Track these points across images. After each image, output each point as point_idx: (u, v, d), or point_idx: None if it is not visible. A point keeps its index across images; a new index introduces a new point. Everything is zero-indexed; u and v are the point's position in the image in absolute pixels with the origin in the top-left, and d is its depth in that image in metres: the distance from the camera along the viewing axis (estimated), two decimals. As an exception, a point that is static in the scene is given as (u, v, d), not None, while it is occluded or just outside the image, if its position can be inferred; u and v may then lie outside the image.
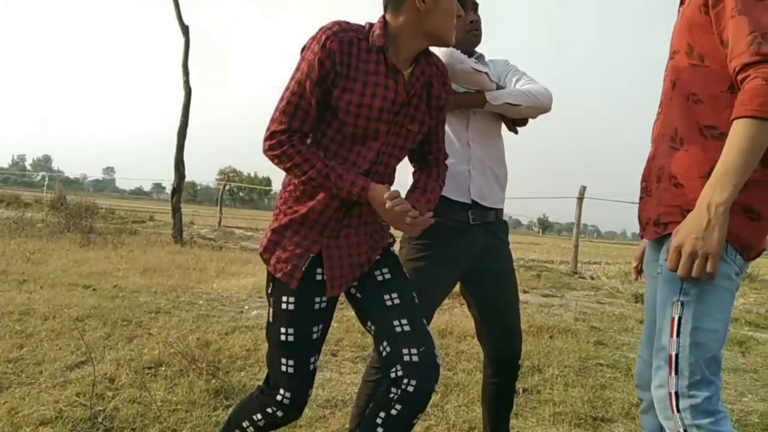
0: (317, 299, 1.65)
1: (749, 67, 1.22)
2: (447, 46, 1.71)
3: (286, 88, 1.60)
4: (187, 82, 10.09)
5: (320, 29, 1.58)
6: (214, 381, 2.85)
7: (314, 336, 1.66)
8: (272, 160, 1.61)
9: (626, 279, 9.39)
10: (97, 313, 4.14)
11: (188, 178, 10.55)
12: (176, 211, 9.95)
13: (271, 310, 1.68)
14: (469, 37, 2.12)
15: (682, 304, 1.31)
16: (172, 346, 3.33)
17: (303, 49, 1.61)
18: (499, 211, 2.14)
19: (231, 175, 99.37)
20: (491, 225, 2.10)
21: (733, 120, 1.24)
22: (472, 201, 2.05)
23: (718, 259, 1.24)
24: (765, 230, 1.34)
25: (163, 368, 3.03)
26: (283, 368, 1.64)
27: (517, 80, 2.12)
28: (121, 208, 21.67)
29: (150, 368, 3.04)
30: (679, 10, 1.56)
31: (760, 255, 1.38)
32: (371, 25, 1.64)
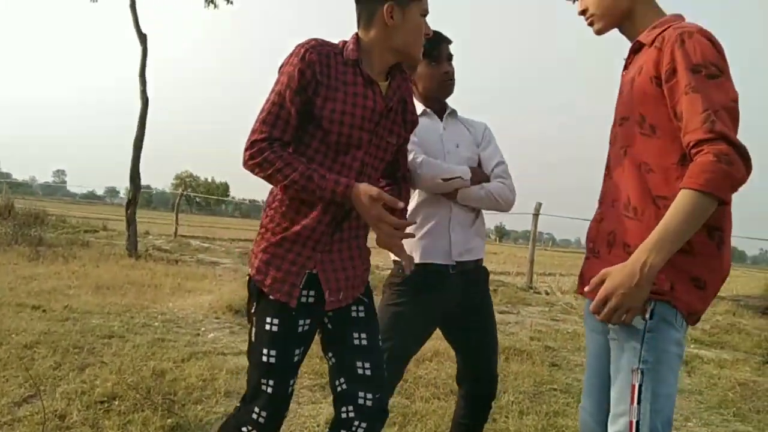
0: (301, 322, 1.67)
1: (703, 143, 1.28)
2: (415, 61, 1.79)
3: (266, 101, 1.64)
4: (144, 92, 9.89)
5: (297, 45, 1.65)
6: (169, 419, 2.81)
7: (295, 359, 1.69)
8: (254, 170, 1.62)
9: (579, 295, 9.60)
10: (47, 340, 4.02)
11: (143, 181, 10.31)
12: (131, 223, 9.72)
13: (253, 329, 1.69)
14: (443, 87, 2.19)
15: (642, 372, 1.37)
16: (125, 377, 3.26)
17: (281, 66, 1.67)
18: (478, 260, 2.19)
19: (188, 180, 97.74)
20: (471, 272, 2.16)
21: (681, 185, 1.30)
22: (455, 261, 2.11)
23: (637, 313, 1.34)
24: (709, 298, 1.42)
25: (117, 403, 2.96)
26: (263, 387, 1.66)
27: (494, 168, 2.18)
28: (73, 215, 21.04)
29: (103, 402, 2.96)
30: (622, 75, 1.61)
31: (700, 320, 1.45)
32: (344, 42, 1.72)
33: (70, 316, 4.90)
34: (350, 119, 1.64)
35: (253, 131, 1.62)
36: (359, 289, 1.78)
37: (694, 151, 1.30)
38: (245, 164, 1.62)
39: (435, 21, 1.78)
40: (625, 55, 1.60)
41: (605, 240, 1.52)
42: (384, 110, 1.71)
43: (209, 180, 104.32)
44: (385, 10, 1.66)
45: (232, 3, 10.86)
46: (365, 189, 1.59)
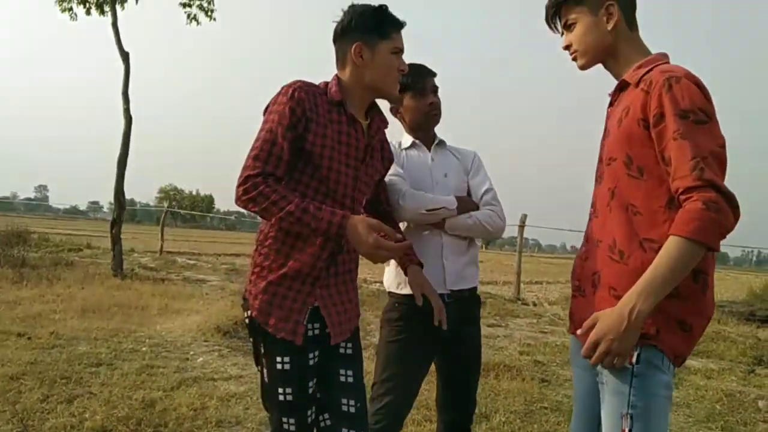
0: (311, 355, 1.71)
1: (692, 190, 1.29)
2: (390, 97, 1.87)
3: (257, 139, 1.66)
4: (127, 110, 9.84)
5: (283, 86, 1.71)
6: (161, 453, 2.79)
7: (310, 391, 1.72)
8: (247, 205, 1.63)
9: (566, 304, 9.67)
10: (34, 370, 3.97)
11: (127, 195, 10.24)
12: (116, 242, 9.64)
13: (265, 370, 1.72)
14: (428, 119, 2.22)
15: (631, 417, 1.38)
16: (115, 410, 3.23)
17: (267, 107, 1.71)
18: (473, 288, 2.22)
19: (172, 193, 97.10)
20: (466, 300, 2.18)
21: (669, 231, 1.32)
22: (450, 290, 2.13)
23: (626, 357, 1.36)
24: (695, 340, 1.44)
25: (107, 437, 2.93)
26: (285, 426, 1.69)
27: (483, 195, 2.20)
28: (56, 232, 20.84)
29: (92, 437, 2.94)
30: (608, 111, 1.63)
31: (685, 361, 1.48)
32: (327, 83, 1.80)
33: (57, 344, 4.85)
34: (338, 155, 1.71)
35: (245, 167, 1.64)
36: (354, 321, 1.85)
37: (683, 197, 1.31)
38: (238, 200, 1.63)
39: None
40: (611, 91, 1.62)
41: (590, 280, 1.53)
42: (367, 148, 1.80)
43: (194, 193, 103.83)
44: (353, 50, 1.75)
45: (214, 19, 10.86)
46: (362, 219, 1.63)
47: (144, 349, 4.96)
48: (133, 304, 7.11)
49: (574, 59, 1.62)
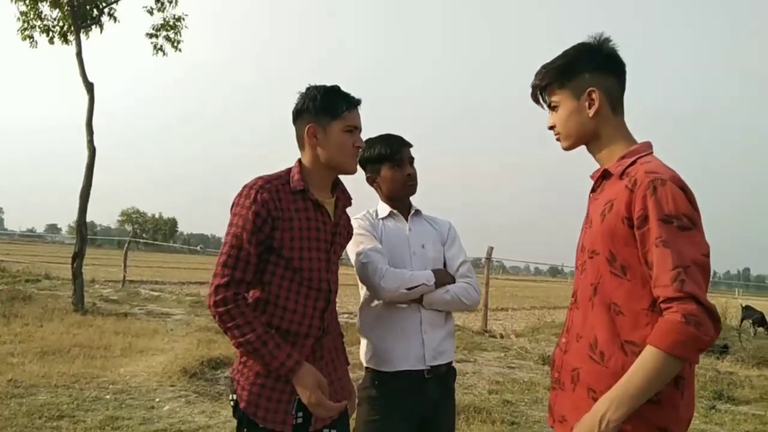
0: None
1: (672, 300, 1.27)
2: (348, 174, 1.91)
3: (224, 244, 1.70)
4: (91, 142, 9.68)
5: (245, 187, 1.74)
6: None
7: None
8: (215, 317, 1.67)
9: (533, 337, 9.81)
10: (-8, 426, 3.83)
11: (87, 217, 10.00)
12: (77, 277, 9.40)
13: None
14: (406, 188, 2.27)
15: None
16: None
17: (233, 206, 1.74)
18: (450, 362, 2.24)
19: (134, 216, 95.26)
20: (443, 376, 2.20)
21: (647, 341, 1.30)
22: (429, 366, 2.14)
23: None
24: None
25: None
26: None
27: (458, 267, 2.25)
28: (13, 260, 20.17)
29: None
30: (590, 197, 1.61)
31: None
32: (290, 169, 1.84)
33: (15, 393, 4.68)
34: (308, 243, 1.75)
35: (215, 275, 1.68)
36: (341, 401, 1.83)
37: (664, 306, 1.30)
38: (209, 307, 1.68)
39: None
40: (593, 174, 1.61)
41: (569, 375, 1.52)
42: (334, 228, 1.86)
43: (156, 216, 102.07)
44: (306, 131, 1.82)
45: (180, 50, 10.81)
46: (312, 372, 1.68)
47: (107, 397, 4.83)
48: (95, 344, 6.92)
49: (558, 140, 1.62)
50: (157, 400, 4.87)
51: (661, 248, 1.31)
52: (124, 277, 15.04)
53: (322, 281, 1.80)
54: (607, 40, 1.56)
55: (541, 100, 1.64)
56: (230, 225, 1.71)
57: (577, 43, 1.60)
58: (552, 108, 1.60)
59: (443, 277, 2.18)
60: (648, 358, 1.29)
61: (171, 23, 10.54)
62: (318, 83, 1.87)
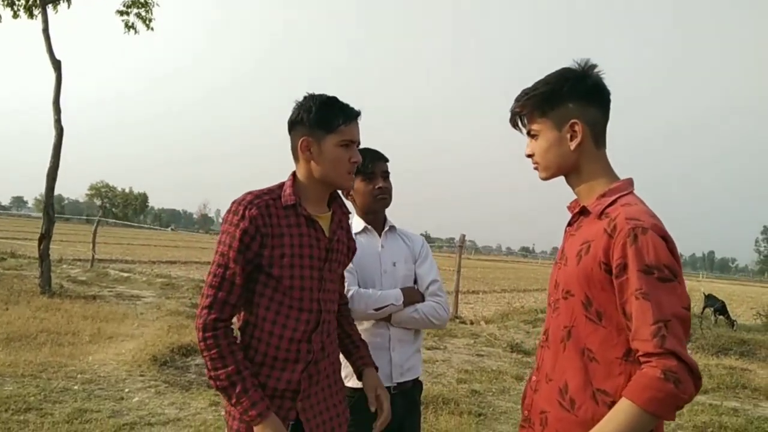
0: None
1: (652, 356, 1.23)
2: (343, 189, 1.87)
3: (213, 262, 1.65)
4: (58, 121, 9.43)
5: (234, 203, 1.67)
6: None
7: None
8: (198, 339, 1.64)
9: (502, 323, 9.98)
10: (-44, 420, 3.78)
11: (54, 191, 9.77)
12: (44, 259, 9.23)
13: None
14: (377, 202, 2.28)
15: None
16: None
17: (223, 222, 1.69)
18: (416, 378, 2.28)
19: (104, 190, 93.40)
20: (410, 390, 2.25)
21: (623, 393, 1.27)
22: (396, 383, 2.18)
23: None
24: None
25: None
26: None
27: (428, 285, 2.27)
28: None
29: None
30: (566, 231, 1.57)
31: None
32: (282, 184, 1.76)
33: (-20, 383, 4.62)
34: (299, 261, 1.68)
35: (202, 295, 1.64)
36: (343, 428, 1.83)
37: (643, 359, 1.26)
38: (195, 327, 1.64)
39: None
40: (570, 205, 1.58)
41: (539, 417, 1.49)
42: (329, 245, 1.76)
43: (127, 190, 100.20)
44: (300, 144, 1.72)
45: (152, 29, 10.56)
46: (274, 424, 1.59)
47: (76, 387, 4.79)
48: (63, 330, 6.84)
49: (536, 169, 1.55)
50: (127, 390, 4.85)
51: (641, 300, 1.26)
52: (93, 257, 14.77)
53: (312, 301, 1.72)
54: (593, 66, 1.48)
55: (520, 125, 1.55)
56: (219, 243, 1.65)
57: (561, 68, 1.50)
58: (531, 136, 1.53)
59: (412, 295, 2.21)
60: (622, 411, 1.25)
61: (142, 1, 10.26)
62: (317, 92, 1.77)
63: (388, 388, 2.12)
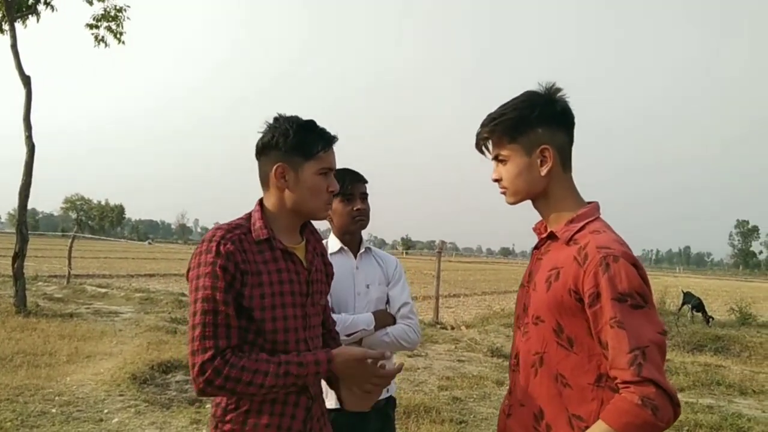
0: None
1: (630, 383, 1.23)
2: (317, 219, 1.77)
3: (194, 312, 1.46)
4: (29, 138, 9.31)
5: (204, 241, 1.52)
6: None
7: None
8: (216, 394, 1.47)
9: (483, 327, 10.05)
10: (-69, 450, 3.72)
11: (28, 204, 9.61)
12: (18, 278, 9.08)
13: None
14: (355, 223, 2.30)
15: None
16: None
17: (190, 270, 1.52)
18: (390, 396, 2.32)
19: (79, 203, 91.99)
20: (383, 408, 2.27)
21: (600, 416, 1.28)
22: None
23: None
24: None
25: None
26: None
27: (400, 308, 2.31)
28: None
29: None
30: (533, 255, 1.57)
31: None
32: (250, 215, 1.62)
33: (-45, 410, 4.55)
34: (280, 300, 1.54)
35: (195, 352, 1.43)
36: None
37: (621, 386, 1.26)
38: (204, 393, 1.45)
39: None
40: (536, 227, 1.59)
41: None
42: (308, 277, 1.64)
43: (103, 203, 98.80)
44: (274, 171, 1.58)
45: (123, 43, 10.48)
46: (347, 355, 1.54)
47: (54, 410, 4.73)
48: (40, 350, 6.75)
49: (503, 194, 1.53)
50: (106, 411, 4.80)
51: (616, 329, 1.26)
52: (69, 273, 14.54)
53: (299, 342, 1.58)
54: (558, 90, 1.48)
55: (485, 150, 1.54)
56: (195, 289, 1.47)
57: (527, 92, 1.50)
58: (499, 161, 1.51)
59: (384, 319, 2.25)
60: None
61: (112, 14, 10.19)
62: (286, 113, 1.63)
63: None
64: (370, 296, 2.28)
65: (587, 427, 1.30)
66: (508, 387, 1.61)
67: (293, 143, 1.56)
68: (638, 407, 1.21)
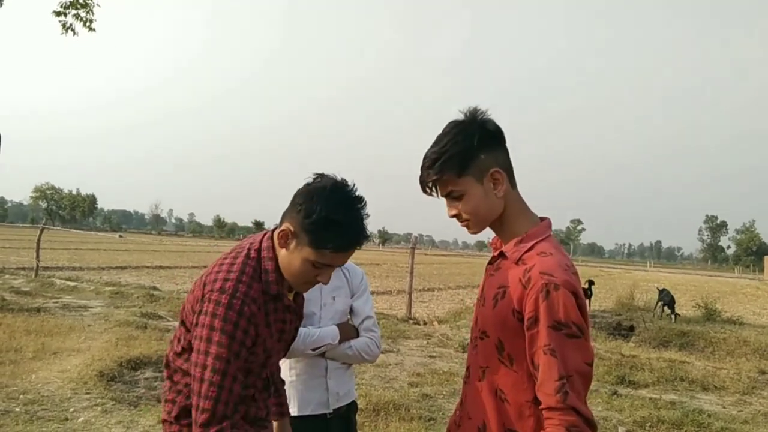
0: None
1: (554, 411, 1.31)
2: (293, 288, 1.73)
3: (205, 366, 1.48)
4: (-5, 128, 9.10)
5: (226, 294, 1.50)
6: None
7: None
8: None
9: (455, 323, 10.14)
10: None
11: None
12: (-16, 272, 8.89)
13: None
14: None
15: None
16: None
17: (207, 314, 1.50)
18: (352, 401, 2.34)
19: (50, 192, 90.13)
20: (345, 413, 2.30)
21: None
22: (333, 409, 2.23)
23: None
24: None
25: None
26: None
27: (363, 320, 2.33)
28: None
29: None
30: (486, 271, 1.60)
31: None
32: (258, 257, 1.60)
33: None
34: (276, 345, 1.67)
35: (202, 410, 1.48)
36: None
37: (546, 414, 1.33)
38: None
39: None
40: (491, 242, 1.63)
41: None
42: (299, 322, 1.81)
43: (74, 192, 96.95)
44: (279, 231, 1.57)
45: (94, 30, 10.26)
46: None
47: (18, 409, 4.66)
48: (5, 347, 6.61)
49: (466, 227, 1.54)
50: (72, 410, 4.74)
51: (548, 356, 1.33)
52: (37, 266, 14.25)
53: (273, 364, 1.76)
54: (482, 112, 1.50)
55: (433, 192, 1.53)
56: (208, 340, 1.48)
57: (454, 123, 1.52)
58: (453, 197, 1.50)
59: (348, 332, 2.27)
60: None
61: (81, 1, 9.95)
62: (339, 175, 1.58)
63: (324, 414, 2.18)
64: (336, 307, 2.29)
65: None
66: (459, 398, 1.65)
67: (308, 226, 1.51)
68: None
